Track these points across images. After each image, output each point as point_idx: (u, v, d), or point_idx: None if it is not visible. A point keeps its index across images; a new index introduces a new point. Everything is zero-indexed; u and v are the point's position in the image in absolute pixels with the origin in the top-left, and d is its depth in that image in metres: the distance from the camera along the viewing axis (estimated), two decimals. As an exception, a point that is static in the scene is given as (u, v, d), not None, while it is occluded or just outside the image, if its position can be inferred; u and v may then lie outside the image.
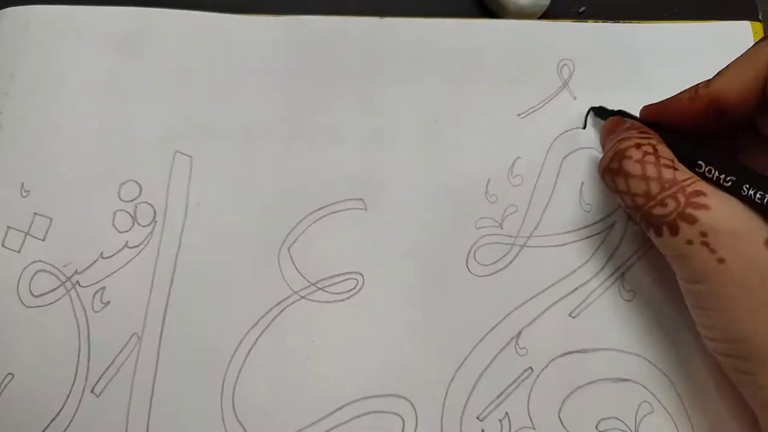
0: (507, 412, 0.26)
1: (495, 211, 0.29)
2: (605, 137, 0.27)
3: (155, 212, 0.29)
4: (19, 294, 0.27)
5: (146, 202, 0.29)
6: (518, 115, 0.31)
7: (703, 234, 0.21)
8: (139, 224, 0.29)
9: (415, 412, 0.26)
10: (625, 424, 0.26)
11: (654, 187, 0.22)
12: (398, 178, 0.30)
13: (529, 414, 0.26)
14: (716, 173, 0.22)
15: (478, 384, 0.26)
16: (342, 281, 0.28)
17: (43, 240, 0.28)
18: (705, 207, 0.21)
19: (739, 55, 0.23)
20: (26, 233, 0.28)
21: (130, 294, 0.27)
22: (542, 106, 0.31)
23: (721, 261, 0.20)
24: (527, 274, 0.28)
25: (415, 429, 0.26)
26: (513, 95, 0.31)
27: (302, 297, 0.28)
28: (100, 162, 0.29)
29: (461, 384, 0.26)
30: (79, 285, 0.27)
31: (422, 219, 0.29)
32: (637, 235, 0.28)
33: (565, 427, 0.26)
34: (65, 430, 0.25)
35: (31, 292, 0.27)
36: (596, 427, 0.26)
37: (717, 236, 0.20)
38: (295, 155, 0.30)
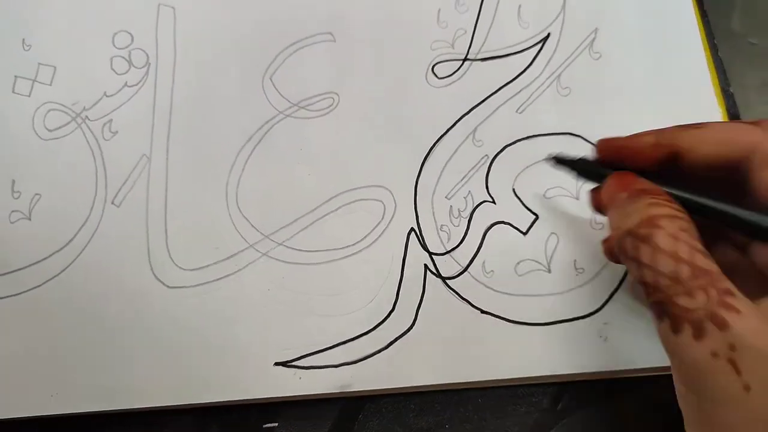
0: (470, 191, 0.31)
1: (446, 35, 0.34)
2: (613, 193, 0.22)
3: (148, 56, 0.32)
4: (35, 130, 0.31)
5: (139, 48, 0.32)
6: (461, -46, 0.35)
7: (732, 347, 0.17)
8: (135, 67, 0.32)
9: (393, 197, 0.31)
10: (568, 191, 0.31)
11: (684, 272, 0.18)
12: (361, 14, 0.34)
13: (488, 190, 0.31)
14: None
15: (444, 170, 0.31)
16: (320, 100, 0.32)
17: (50, 85, 0.31)
18: (735, 311, 0.17)
19: (718, 121, 0.22)
20: (33, 80, 0.31)
21: (135, 123, 0.31)
22: (481, -55, 0.35)
23: (746, 388, 0.17)
24: (478, 82, 0.33)
25: (395, 210, 0.30)
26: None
27: (287, 116, 0.32)
28: (92, 18, 0.33)
29: (430, 171, 0.31)
30: (89, 119, 0.31)
31: (385, 45, 0.33)
32: (568, 43, 0.33)
33: (518, 196, 0.31)
34: (94, 233, 0.29)
35: (45, 127, 0.31)
36: (544, 195, 0.31)
37: (747, 355, 0.17)
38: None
